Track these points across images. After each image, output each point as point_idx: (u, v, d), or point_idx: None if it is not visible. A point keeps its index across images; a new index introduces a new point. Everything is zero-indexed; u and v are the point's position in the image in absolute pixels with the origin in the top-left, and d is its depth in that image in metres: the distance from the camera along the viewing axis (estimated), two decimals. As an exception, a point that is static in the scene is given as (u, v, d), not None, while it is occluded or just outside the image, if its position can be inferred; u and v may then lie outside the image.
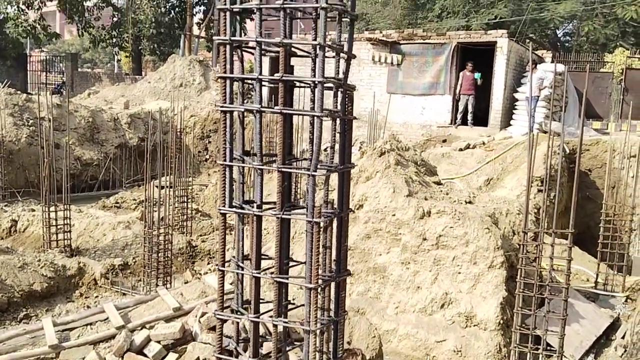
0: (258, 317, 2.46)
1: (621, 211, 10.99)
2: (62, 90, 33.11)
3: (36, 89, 33.33)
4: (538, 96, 15.85)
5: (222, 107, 2.37)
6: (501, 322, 7.27)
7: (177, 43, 31.48)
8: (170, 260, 9.63)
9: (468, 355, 7.33)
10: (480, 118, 18.12)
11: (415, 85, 18.92)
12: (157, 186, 9.94)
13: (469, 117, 17.88)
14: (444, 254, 8.00)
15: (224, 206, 2.42)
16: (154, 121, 19.47)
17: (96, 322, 6.73)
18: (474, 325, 7.50)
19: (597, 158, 14.90)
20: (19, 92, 18.53)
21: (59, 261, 9.89)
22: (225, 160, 2.37)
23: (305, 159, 2.26)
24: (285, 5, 2.25)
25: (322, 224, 2.25)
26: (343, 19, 2.29)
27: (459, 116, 18.12)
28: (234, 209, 2.44)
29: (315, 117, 2.16)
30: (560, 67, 17.13)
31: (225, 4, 2.28)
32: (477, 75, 17.58)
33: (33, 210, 13.18)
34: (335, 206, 2.41)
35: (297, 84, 2.38)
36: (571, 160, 15.22)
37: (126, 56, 36.25)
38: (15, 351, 6.11)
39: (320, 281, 2.30)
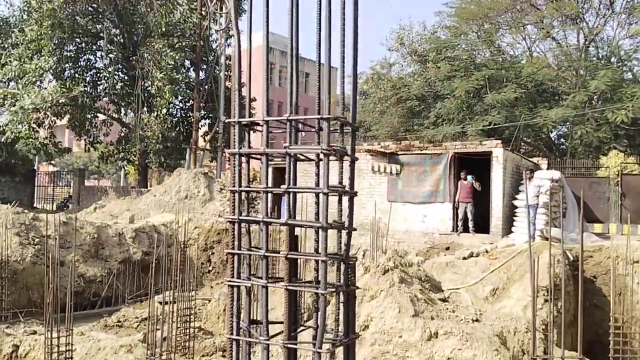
0: None
1: (630, 320, 10.86)
2: (68, 204, 33.68)
3: (43, 203, 33.92)
4: (537, 204, 16.10)
5: (230, 281, 2.50)
6: None
7: (182, 155, 32.41)
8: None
9: None
10: (482, 225, 18.29)
11: (415, 193, 19.27)
12: (160, 302, 9.90)
13: (470, 224, 18.06)
14: (453, 376, 7.83)
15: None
16: (158, 234, 19.67)
17: None
18: None
19: (601, 264, 14.88)
20: (26, 210, 18.86)
21: None
22: (232, 334, 2.47)
23: (310, 327, 2.36)
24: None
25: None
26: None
27: (459, 223, 18.29)
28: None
29: (319, 295, 2.29)
30: (557, 174, 17.54)
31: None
32: (469, 178, 17.93)
33: (34, 332, 12.99)
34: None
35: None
36: (575, 268, 15.19)
37: (133, 169, 37.20)
38: None
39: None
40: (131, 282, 18.72)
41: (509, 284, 14.08)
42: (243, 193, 2.64)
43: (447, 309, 8.96)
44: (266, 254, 2.45)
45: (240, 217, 2.51)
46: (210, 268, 21.62)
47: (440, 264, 16.01)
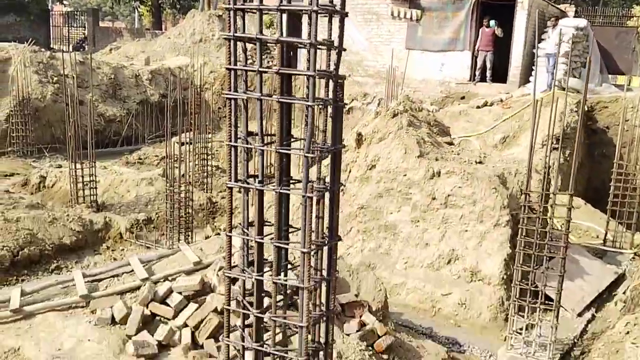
0: (261, 276, 2.82)
1: (634, 169, 11.10)
2: (83, 45, 33.42)
3: (59, 44, 33.69)
4: (558, 52, 15.69)
5: (227, 94, 2.66)
6: (504, 277, 7.61)
7: (196, -3, 31.39)
8: (191, 216, 10.07)
9: (472, 307, 7.73)
10: (500, 75, 18.02)
11: (435, 41, 18.80)
12: (177, 143, 10.31)
13: (488, 73, 17.80)
14: (452, 212, 8.30)
15: (230, 181, 2.76)
16: (173, 77, 19.75)
17: (122, 274, 7.22)
18: (479, 280, 7.86)
19: (615, 115, 14.84)
20: (42, 49, 18.89)
21: (86, 216, 10.43)
22: (230, 141, 2.68)
23: (302, 139, 2.55)
24: (282, 7, 2.50)
25: (314, 198, 2.56)
26: (334, 17, 2.54)
27: (477, 73, 18.04)
28: (239, 184, 2.76)
29: (308, 107, 2.44)
30: (582, 22, 16.87)
31: (229, 4, 2.54)
32: (492, 23, 17.31)
33: (60, 166, 13.72)
34: (328, 181, 2.71)
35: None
36: (589, 118, 15.22)
37: (147, 10, 36.28)
38: (49, 300, 6.64)
39: (313, 246, 2.64)
40: (150, 123, 19.22)
41: (520, 133, 14.24)
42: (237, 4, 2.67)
43: (453, 151, 9.24)
44: (260, 69, 2.57)
45: (235, 35, 2.59)
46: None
47: (454, 112, 16.09)
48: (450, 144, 9.73)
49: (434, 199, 8.43)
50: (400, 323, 7.20)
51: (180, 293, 6.17)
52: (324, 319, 2.86)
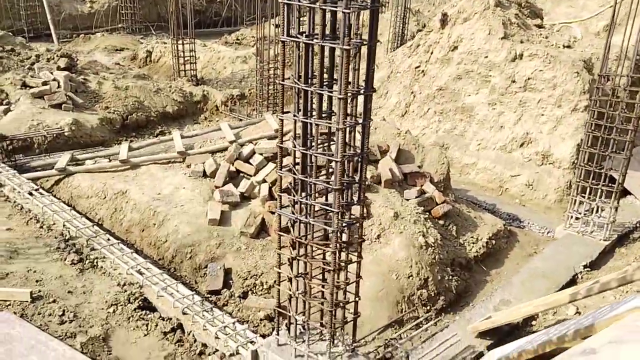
0: (307, 118, 3.36)
1: None
2: None
3: None
4: None
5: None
6: (575, 161, 7.70)
7: None
8: (279, 92, 10.68)
9: (538, 189, 7.96)
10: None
11: None
12: (273, 24, 10.74)
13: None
14: (530, 96, 8.32)
15: (283, 35, 3.22)
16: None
17: (214, 137, 8.08)
18: (549, 164, 8.00)
19: None
20: None
21: (187, 88, 11.37)
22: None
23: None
24: None
25: (351, 51, 2.96)
26: None
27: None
28: (290, 38, 3.21)
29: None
30: None
31: None
32: None
33: (165, 43, 14.68)
34: (366, 37, 3.08)
35: None
36: None
37: None
38: (152, 155, 7.65)
39: (349, 94, 3.08)
40: (248, 6, 19.67)
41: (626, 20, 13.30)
42: None
43: (541, 34, 9.01)
44: None
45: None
46: None
47: (558, -3, 15.16)
48: (540, 27, 9.44)
49: (513, 81, 8.44)
50: (464, 198, 7.61)
51: (261, 154, 6.91)
52: (358, 159, 3.38)
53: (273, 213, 6.26)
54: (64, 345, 3.98)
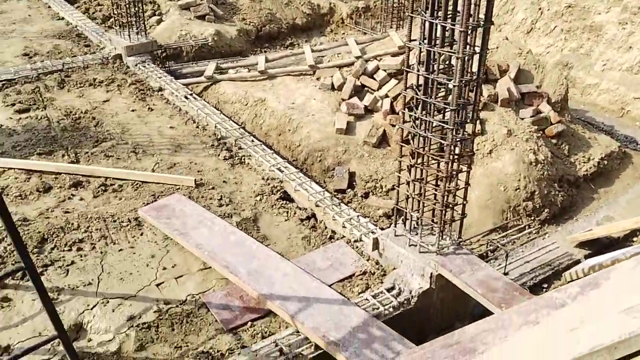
0: (432, 47, 3.90)
1: None
2: None
3: None
4: None
5: None
6: None
7: None
8: (404, 6, 10.94)
9: (662, 114, 7.89)
10: None
11: None
12: None
13: None
14: (665, 16, 8.03)
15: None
16: None
17: (341, 52, 8.70)
18: (678, 88, 7.85)
19: None
20: None
21: (314, 0, 11.91)
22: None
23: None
24: None
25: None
26: None
27: None
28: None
29: None
30: None
31: None
32: None
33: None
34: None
35: None
36: None
37: None
38: (286, 67, 8.46)
39: (469, 27, 3.56)
40: None
41: None
42: None
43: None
44: None
45: None
46: None
47: None
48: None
49: (648, 1, 8.16)
50: (582, 119, 7.76)
51: (384, 70, 7.47)
52: (474, 83, 3.89)
53: (394, 126, 6.91)
54: (225, 222, 5.03)
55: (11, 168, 5.62)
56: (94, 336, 3.98)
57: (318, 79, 7.94)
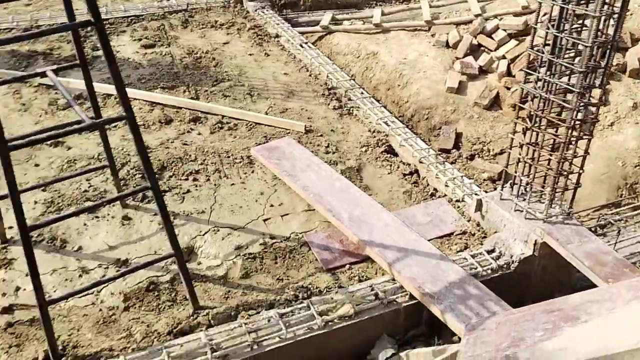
0: None
1: None
2: None
3: None
4: None
5: None
6: None
7: None
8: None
9: None
10: None
11: None
12: None
13: None
14: None
15: None
16: None
17: (459, 9, 8.44)
18: None
19: None
20: None
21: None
22: None
23: None
24: None
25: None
26: None
27: None
28: None
29: None
30: None
31: None
32: None
33: None
34: None
35: None
36: None
37: None
38: (401, 21, 8.34)
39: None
40: None
41: None
42: None
43: None
44: None
45: None
46: None
47: None
48: None
49: None
50: None
51: (504, 30, 7.19)
52: (608, 46, 3.67)
53: (508, 89, 6.68)
54: (331, 168, 5.16)
55: (137, 99, 6.02)
56: (204, 260, 4.27)
57: (433, 35, 7.78)
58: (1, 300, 3.79)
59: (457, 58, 7.19)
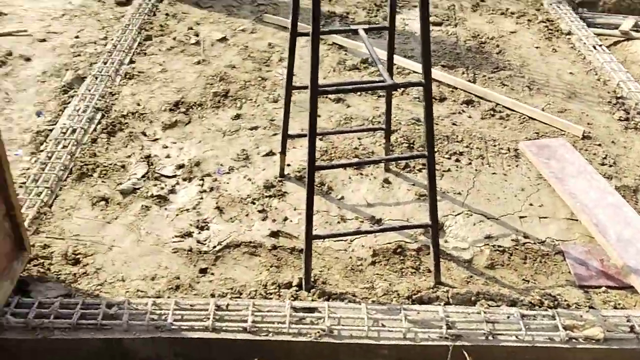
0: None
1: None
2: None
3: None
4: None
5: None
6: None
7: None
8: None
9: None
10: None
11: None
12: None
13: None
14: None
15: None
16: None
17: None
18: None
19: None
20: None
21: None
22: None
23: None
24: None
25: None
26: None
27: None
28: None
29: None
30: None
31: None
32: None
33: None
34: None
35: None
36: None
37: None
38: None
39: None
40: None
41: None
42: None
43: None
44: None
45: None
46: None
47: None
48: None
49: None
50: None
51: None
52: None
53: None
54: (605, 181, 4.74)
55: (416, 72, 6.20)
56: (451, 240, 4.29)
57: None
58: (272, 225, 4.29)
59: None
